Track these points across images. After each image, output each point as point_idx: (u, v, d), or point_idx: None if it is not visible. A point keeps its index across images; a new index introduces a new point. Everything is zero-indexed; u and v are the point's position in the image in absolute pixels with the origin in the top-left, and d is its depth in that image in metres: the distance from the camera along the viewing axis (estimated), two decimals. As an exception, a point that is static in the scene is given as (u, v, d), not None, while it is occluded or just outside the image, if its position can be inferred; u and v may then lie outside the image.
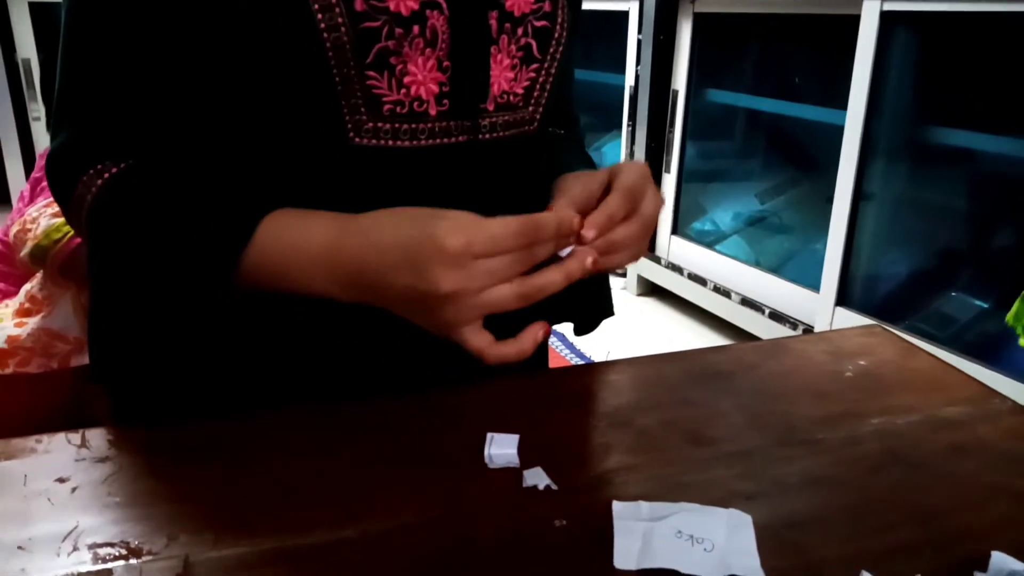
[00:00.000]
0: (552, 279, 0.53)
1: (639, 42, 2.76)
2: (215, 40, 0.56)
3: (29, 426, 1.12)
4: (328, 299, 0.60)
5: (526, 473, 0.53)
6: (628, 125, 2.90)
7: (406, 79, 0.57)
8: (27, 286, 1.14)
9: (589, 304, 0.76)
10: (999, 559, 0.44)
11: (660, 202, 0.62)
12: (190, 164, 0.59)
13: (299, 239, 0.55)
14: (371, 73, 0.56)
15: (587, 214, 0.57)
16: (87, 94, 0.58)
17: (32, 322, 1.12)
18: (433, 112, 0.59)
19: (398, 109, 0.57)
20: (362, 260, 0.53)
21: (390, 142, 0.58)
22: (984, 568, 0.44)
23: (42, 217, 1.06)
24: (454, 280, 0.50)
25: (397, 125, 0.58)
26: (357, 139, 0.57)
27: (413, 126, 0.58)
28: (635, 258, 0.61)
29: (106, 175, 0.57)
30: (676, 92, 2.72)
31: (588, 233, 0.56)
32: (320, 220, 0.56)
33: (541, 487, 0.52)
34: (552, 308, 0.59)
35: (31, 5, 3.26)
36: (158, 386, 0.65)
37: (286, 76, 0.56)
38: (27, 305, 1.13)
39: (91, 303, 0.67)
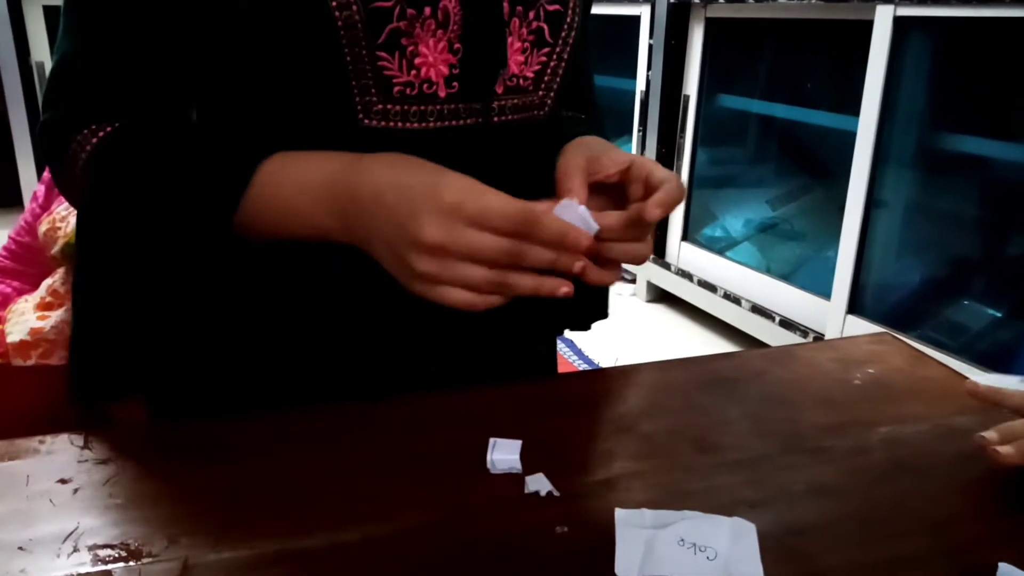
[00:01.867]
0: (524, 282, 0.53)
1: (650, 47, 2.76)
2: (225, 17, 0.56)
3: (50, 417, 1.13)
4: (331, 287, 0.61)
5: (528, 479, 0.53)
6: (639, 130, 2.90)
7: (417, 60, 0.57)
8: (48, 281, 1.15)
9: (584, 304, 0.76)
10: (1006, 570, 0.43)
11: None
12: (186, 123, 0.60)
13: (302, 174, 0.56)
14: (382, 54, 0.56)
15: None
16: (84, 67, 0.58)
17: (55, 315, 1.13)
18: (443, 94, 0.59)
19: (408, 91, 0.57)
20: (357, 193, 0.54)
21: (399, 124, 0.58)
22: (992, 580, 0.44)
23: (71, 215, 1.07)
24: (438, 233, 0.50)
25: (407, 107, 0.58)
26: (367, 121, 0.57)
27: (422, 108, 0.58)
28: (643, 258, 0.60)
29: (101, 133, 0.58)
30: (687, 97, 2.72)
31: (655, 212, 0.54)
32: (321, 157, 0.56)
33: (543, 493, 0.52)
34: (546, 306, 0.59)
35: (45, 8, 3.29)
36: (147, 373, 0.65)
37: (297, 55, 0.56)
38: (48, 299, 1.14)
39: (76, 278, 0.66)
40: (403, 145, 0.59)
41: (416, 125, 0.59)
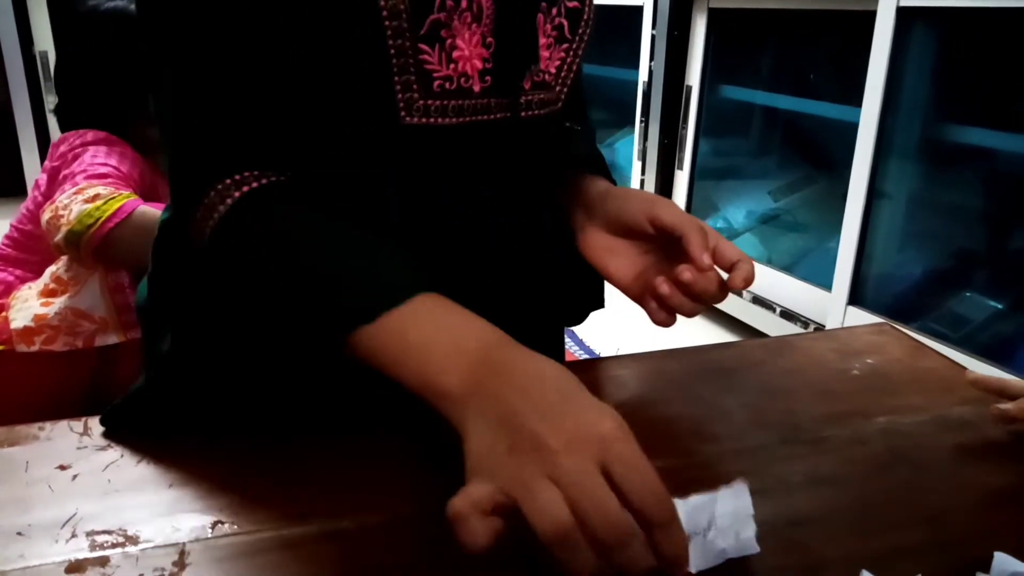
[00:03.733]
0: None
1: (653, 37, 2.75)
2: (274, 22, 0.55)
3: (51, 403, 1.14)
4: None
5: None
6: (641, 121, 2.89)
7: (455, 54, 0.57)
8: (52, 268, 1.16)
9: (579, 293, 0.77)
10: (1002, 560, 0.43)
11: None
12: (321, 189, 0.57)
13: (455, 328, 0.49)
14: (423, 47, 0.55)
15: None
16: (199, 105, 0.56)
17: (59, 301, 1.13)
18: (477, 88, 0.58)
19: (447, 85, 0.57)
20: (512, 366, 0.46)
21: (438, 120, 0.58)
22: (987, 570, 0.44)
23: (74, 204, 1.08)
24: (572, 460, 0.40)
25: (445, 102, 0.58)
26: (408, 118, 0.57)
27: (459, 103, 0.58)
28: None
29: (245, 188, 0.55)
30: (690, 88, 2.71)
31: (705, 259, 0.60)
32: (479, 323, 0.50)
33: None
34: (543, 296, 0.59)
35: (49, -2, 3.29)
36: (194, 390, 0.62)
37: (342, 51, 0.55)
38: (52, 286, 1.15)
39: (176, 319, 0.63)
40: (438, 141, 0.59)
41: (453, 120, 0.58)
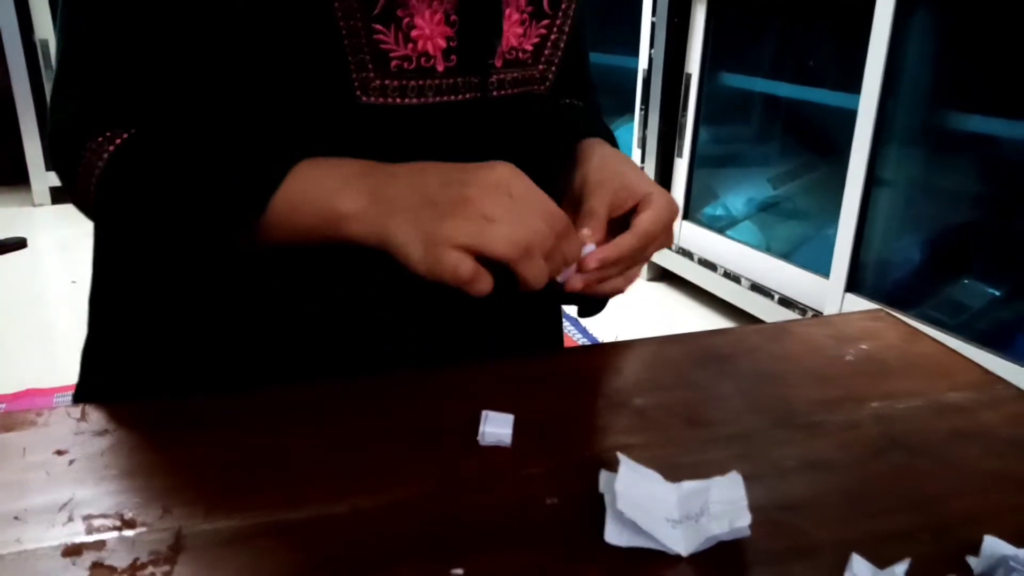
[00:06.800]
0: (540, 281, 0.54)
1: (653, 25, 2.73)
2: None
3: None
4: (329, 275, 0.60)
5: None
6: (641, 109, 2.88)
7: (413, 33, 0.56)
8: None
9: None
10: (991, 543, 0.43)
11: (668, 244, 0.63)
12: (198, 126, 0.59)
13: (335, 165, 0.56)
14: (378, 27, 0.55)
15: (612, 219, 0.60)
16: (89, 64, 0.57)
17: None
18: (440, 68, 0.58)
19: (405, 65, 0.57)
20: (394, 170, 0.54)
21: (398, 100, 0.57)
22: (977, 553, 0.44)
23: None
24: (484, 195, 0.51)
25: (405, 82, 0.57)
26: (364, 98, 0.57)
27: (421, 83, 0.58)
28: (624, 287, 0.62)
29: (117, 140, 0.56)
30: (689, 75, 2.70)
31: (591, 263, 0.57)
32: (354, 160, 0.57)
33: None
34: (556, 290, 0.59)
35: (48, -15, 3.27)
36: (157, 360, 0.66)
37: (292, 31, 0.55)
38: None
39: (92, 282, 0.67)
40: (401, 122, 0.58)
41: (415, 101, 0.58)
